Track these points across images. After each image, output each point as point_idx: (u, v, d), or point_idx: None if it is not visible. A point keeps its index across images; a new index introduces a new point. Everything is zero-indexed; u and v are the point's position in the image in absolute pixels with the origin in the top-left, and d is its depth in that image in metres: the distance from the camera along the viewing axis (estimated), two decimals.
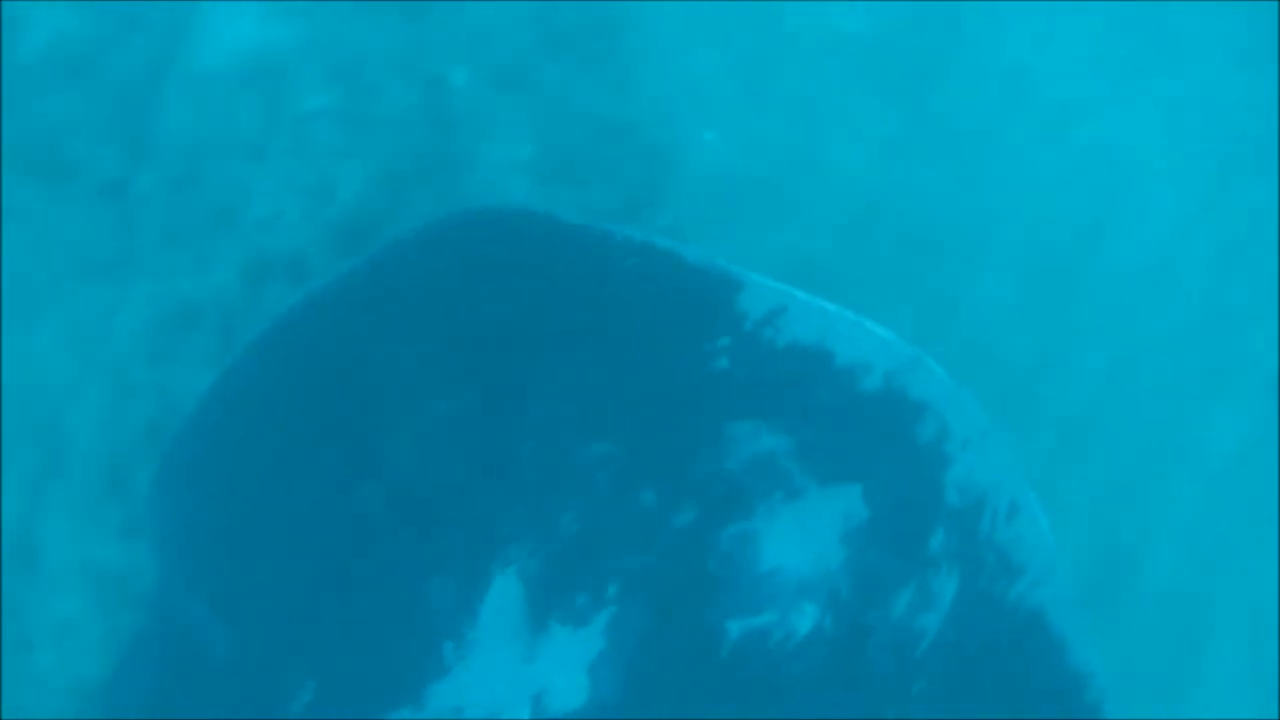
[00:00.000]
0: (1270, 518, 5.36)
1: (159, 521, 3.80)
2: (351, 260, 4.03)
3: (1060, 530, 3.87)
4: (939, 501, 3.71)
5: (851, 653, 3.65)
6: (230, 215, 5.02)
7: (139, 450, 4.69)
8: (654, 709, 3.62)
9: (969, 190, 5.71)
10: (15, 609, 4.55)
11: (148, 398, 4.79)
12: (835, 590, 3.62)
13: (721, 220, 5.24)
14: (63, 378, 4.76)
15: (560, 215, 3.97)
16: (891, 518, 3.69)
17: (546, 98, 5.35)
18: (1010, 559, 3.73)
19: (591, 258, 3.90)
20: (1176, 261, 5.88)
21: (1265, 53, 6.05)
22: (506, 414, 3.83)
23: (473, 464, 3.79)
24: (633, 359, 3.84)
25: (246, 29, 5.24)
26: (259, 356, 3.87)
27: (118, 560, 4.59)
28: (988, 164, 5.78)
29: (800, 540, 3.63)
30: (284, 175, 5.08)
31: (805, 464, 3.69)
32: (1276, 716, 3.51)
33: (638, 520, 3.71)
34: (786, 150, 5.64)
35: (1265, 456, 5.46)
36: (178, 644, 3.67)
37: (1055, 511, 3.89)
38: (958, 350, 4.51)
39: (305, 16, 5.28)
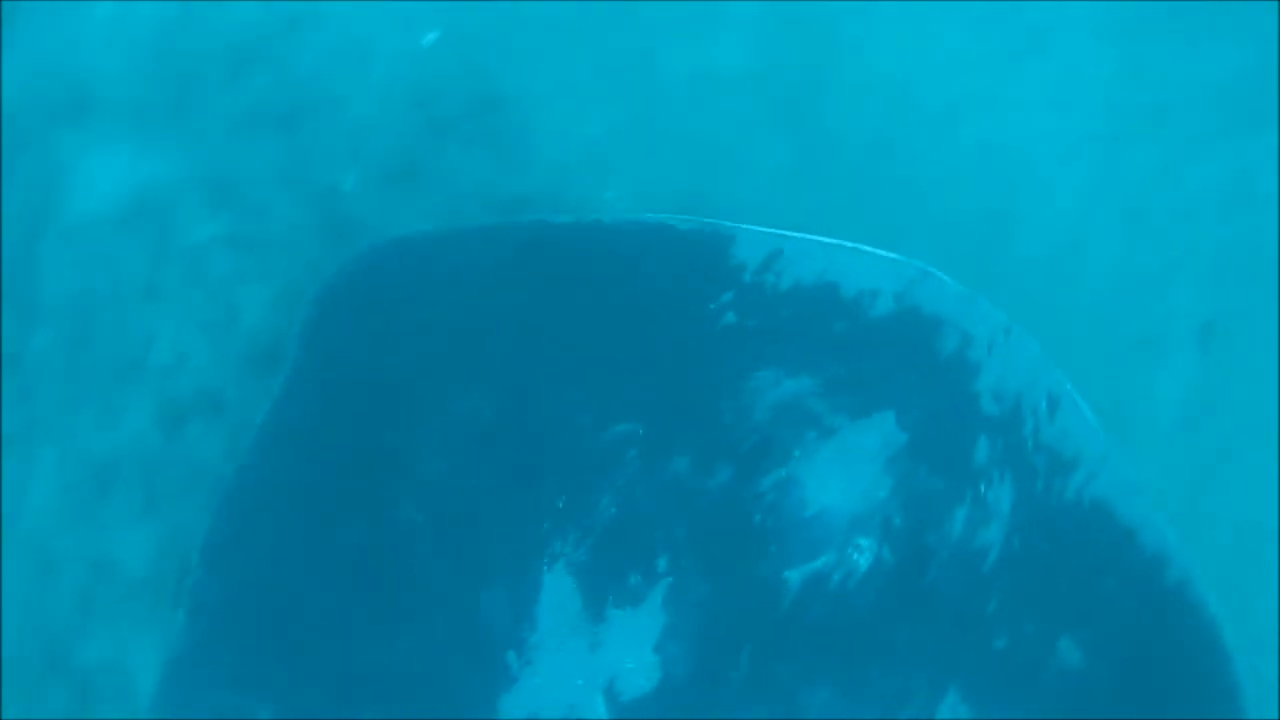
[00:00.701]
0: (1217, 478, 5.37)
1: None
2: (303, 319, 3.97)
3: None
4: (975, 411, 3.62)
5: (917, 581, 3.51)
6: (134, 364, 4.88)
7: (74, 624, 4.52)
8: (727, 675, 3.45)
9: (869, 205, 5.77)
10: None
11: (76, 568, 4.61)
12: (888, 520, 3.48)
13: None
14: None
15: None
16: (931, 437, 3.58)
17: (439, 184, 5.26)
18: (1061, 455, 3.63)
19: (577, 245, 3.80)
20: (1086, 238, 5.99)
21: (1128, 27, 6.31)
22: (524, 412, 3.74)
23: (501, 468, 3.70)
24: (638, 333, 3.75)
25: (121, 169, 5.14)
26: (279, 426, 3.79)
27: None
28: (884, 176, 5.86)
29: (842, 477, 3.50)
30: (183, 312, 4.94)
31: (832, 400, 3.58)
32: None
33: (674, 490, 3.55)
34: (685, 196, 5.62)
35: (1205, 416, 5.50)
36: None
37: None
38: None
39: (181, 147, 5.20)
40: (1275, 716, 3.49)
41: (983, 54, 6.04)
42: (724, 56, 5.68)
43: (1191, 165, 5.66)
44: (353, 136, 5.22)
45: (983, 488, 3.59)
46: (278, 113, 5.21)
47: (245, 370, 4.83)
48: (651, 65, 5.58)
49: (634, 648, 3.50)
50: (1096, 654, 3.61)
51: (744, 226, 3.74)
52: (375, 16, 5.38)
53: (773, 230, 3.73)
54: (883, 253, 3.68)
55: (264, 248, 5.02)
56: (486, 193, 5.17)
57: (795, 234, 3.71)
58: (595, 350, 3.75)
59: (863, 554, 3.45)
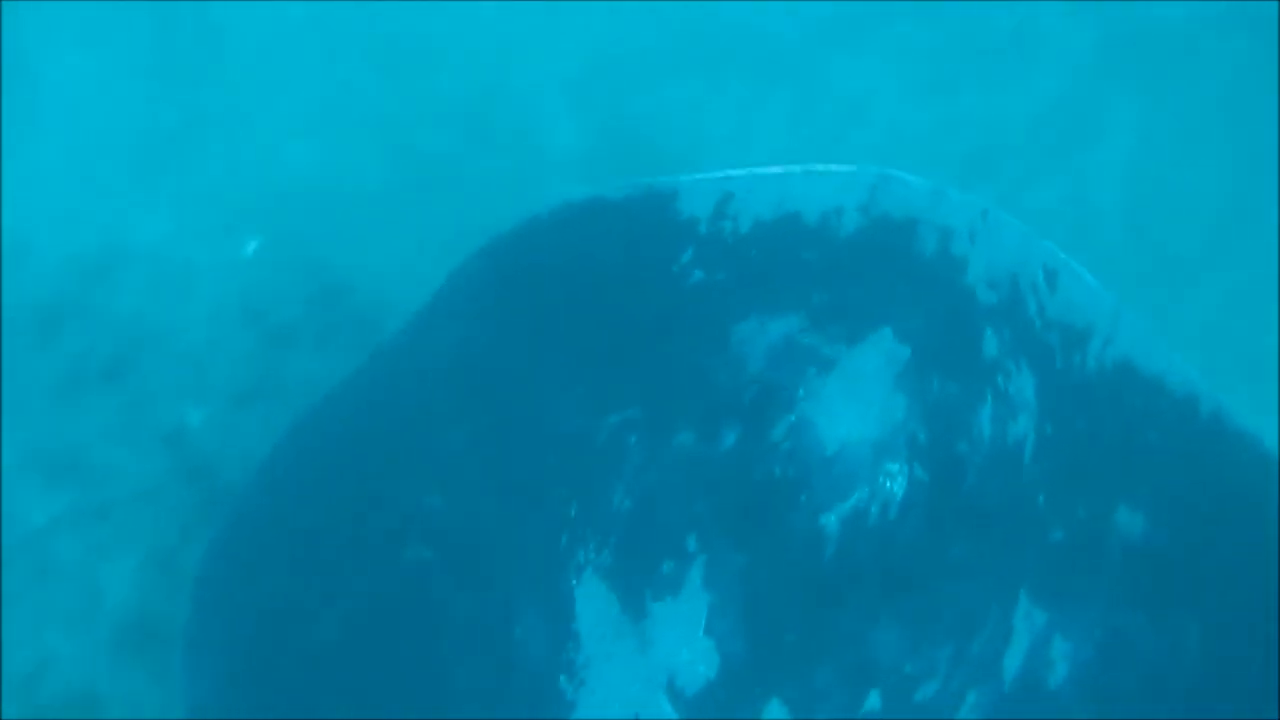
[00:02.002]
0: None
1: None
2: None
3: None
4: (973, 305, 3.41)
5: (957, 494, 3.30)
6: None
7: None
8: (786, 638, 3.24)
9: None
10: None
11: None
12: (913, 438, 3.28)
13: None
14: None
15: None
16: (934, 343, 3.38)
17: (295, 394, 5.04)
18: (1072, 327, 3.43)
19: (515, 253, 3.61)
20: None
21: (937, 83, 6.16)
22: (513, 429, 3.52)
23: (504, 488, 3.48)
24: (607, 318, 3.54)
25: None
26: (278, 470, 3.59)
27: None
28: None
29: (855, 406, 3.30)
30: (38, 608, 4.61)
31: (824, 332, 3.38)
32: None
33: (686, 465, 3.35)
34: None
35: None
36: None
37: None
38: None
39: (2, 429, 4.86)
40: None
41: (813, 131, 5.99)
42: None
43: (1026, 191, 5.88)
44: (190, 367, 4.95)
45: (1001, 381, 3.39)
46: (102, 364, 4.90)
47: (118, 653, 4.49)
48: (483, 219, 5.51)
49: (685, 636, 3.29)
50: (1157, 514, 3.42)
51: (683, 178, 3.54)
52: (188, 238, 5.15)
53: (715, 174, 3.53)
54: (835, 168, 3.49)
55: (117, 513, 4.70)
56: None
57: (739, 171, 3.51)
58: (569, 348, 3.55)
59: (895, 480, 3.25)
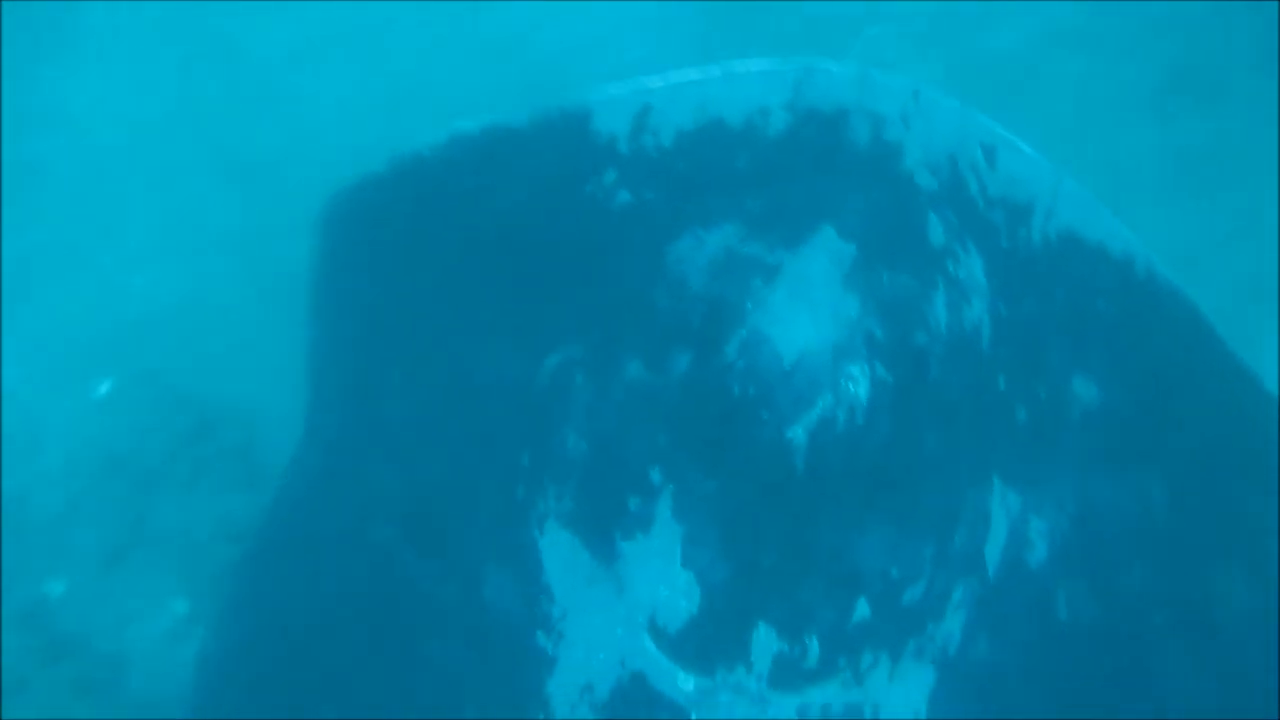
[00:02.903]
0: None
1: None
2: None
3: None
4: (914, 192, 3.27)
5: (922, 387, 3.19)
6: None
7: None
8: (767, 559, 3.13)
9: None
10: None
11: None
12: (870, 336, 3.15)
13: None
14: None
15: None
16: (879, 236, 3.24)
17: (168, 544, 4.64)
18: (1015, 202, 3.31)
19: (426, 195, 3.39)
20: None
21: None
22: (451, 383, 3.33)
23: (451, 447, 3.30)
24: (535, 253, 3.34)
25: None
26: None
27: None
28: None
29: (806, 312, 3.15)
30: None
31: (764, 239, 3.22)
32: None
33: (639, 397, 3.20)
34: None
35: None
36: None
37: None
38: None
39: None
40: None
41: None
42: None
43: None
44: (49, 533, 4.51)
45: (951, 266, 3.27)
46: None
47: None
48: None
49: (662, 572, 3.15)
50: (1108, 379, 3.37)
51: (594, 95, 3.32)
52: (33, 388, 4.72)
53: (629, 86, 3.32)
54: (755, 64, 3.30)
55: None
56: (229, 523, 4.54)
57: (655, 81, 3.31)
58: (498, 289, 3.36)
59: (858, 382, 3.11)
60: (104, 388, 4.74)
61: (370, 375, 3.33)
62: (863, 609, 3.17)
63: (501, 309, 3.35)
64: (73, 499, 4.51)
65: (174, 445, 4.65)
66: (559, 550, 3.22)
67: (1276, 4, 5.56)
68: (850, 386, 3.11)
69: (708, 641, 3.16)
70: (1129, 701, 3.26)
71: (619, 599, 3.18)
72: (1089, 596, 3.31)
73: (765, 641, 3.15)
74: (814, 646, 3.16)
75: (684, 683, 3.16)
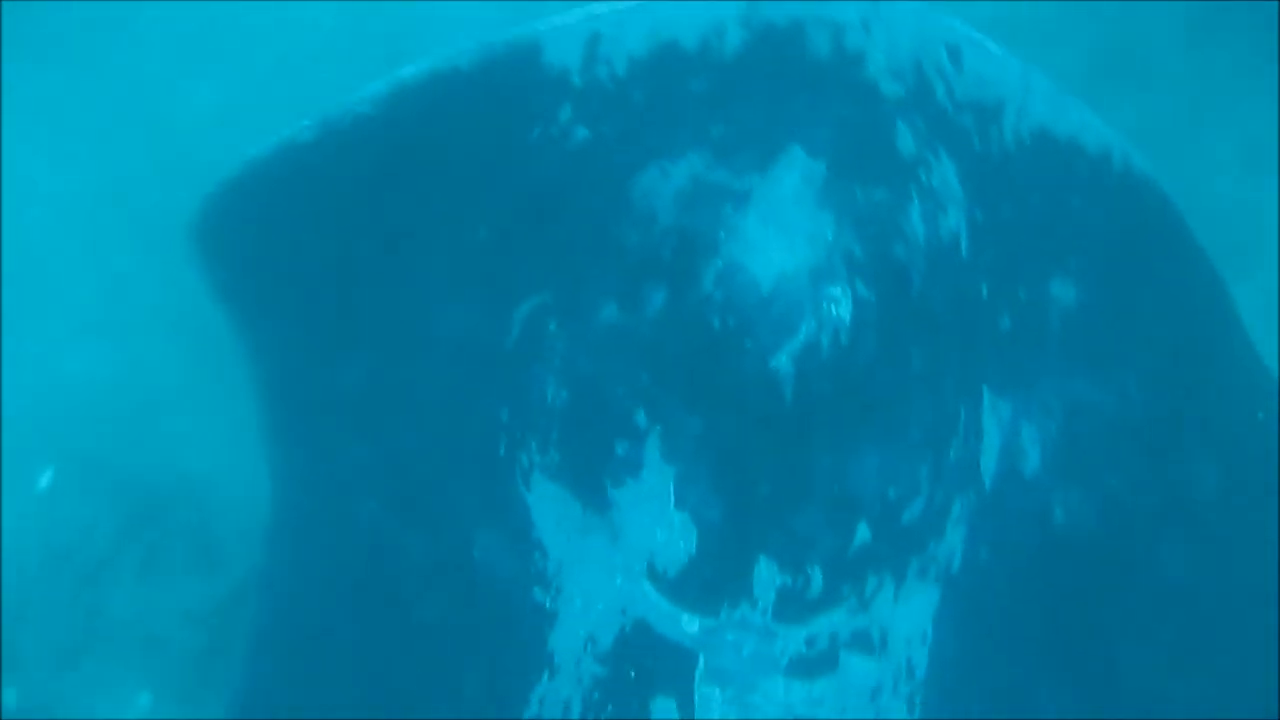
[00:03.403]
0: None
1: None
2: None
3: None
4: (880, 101, 3.15)
5: (905, 302, 3.10)
6: None
7: None
8: (764, 493, 3.07)
9: None
10: None
11: None
12: (848, 255, 3.05)
13: None
14: None
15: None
16: (848, 150, 3.12)
17: (123, 632, 4.36)
18: (984, 103, 3.20)
19: (373, 148, 3.24)
20: None
21: None
22: (421, 342, 3.21)
23: (427, 410, 3.19)
24: (494, 200, 3.21)
25: None
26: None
27: None
28: None
29: (781, 236, 3.05)
30: None
31: (731, 164, 3.11)
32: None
33: (616, 339, 3.10)
34: None
35: None
36: None
37: None
38: None
39: None
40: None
41: None
42: None
43: None
44: None
45: (924, 175, 3.17)
46: None
47: None
48: None
49: (656, 516, 3.07)
50: (1085, 277, 3.30)
51: (540, 27, 3.16)
52: None
53: (575, 16, 3.17)
54: None
55: None
56: (190, 603, 4.32)
57: (601, 7, 3.16)
58: (457, 243, 3.23)
59: (839, 304, 3.02)
60: (45, 479, 4.47)
61: (328, 354, 3.21)
62: (863, 533, 3.10)
63: (463, 264, 3.22)
64: (19, 600, 4.26)
65: (123, 532, 4.41)
66: (548, 504, 3.13)
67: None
68: (832, 308, 3.01)
69: (709, 581, 3.09)
70: (1130, 593, 3.24)
71: (615, 547, 3.10)
72: (1082, 498, 3.27)
73: (767, 575, 3.09)
74: (817, 576, 3.10)
75: (688, 625, 3.10)
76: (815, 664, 3.12)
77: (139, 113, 4.97)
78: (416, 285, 3.22)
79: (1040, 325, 3.29)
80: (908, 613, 3.17)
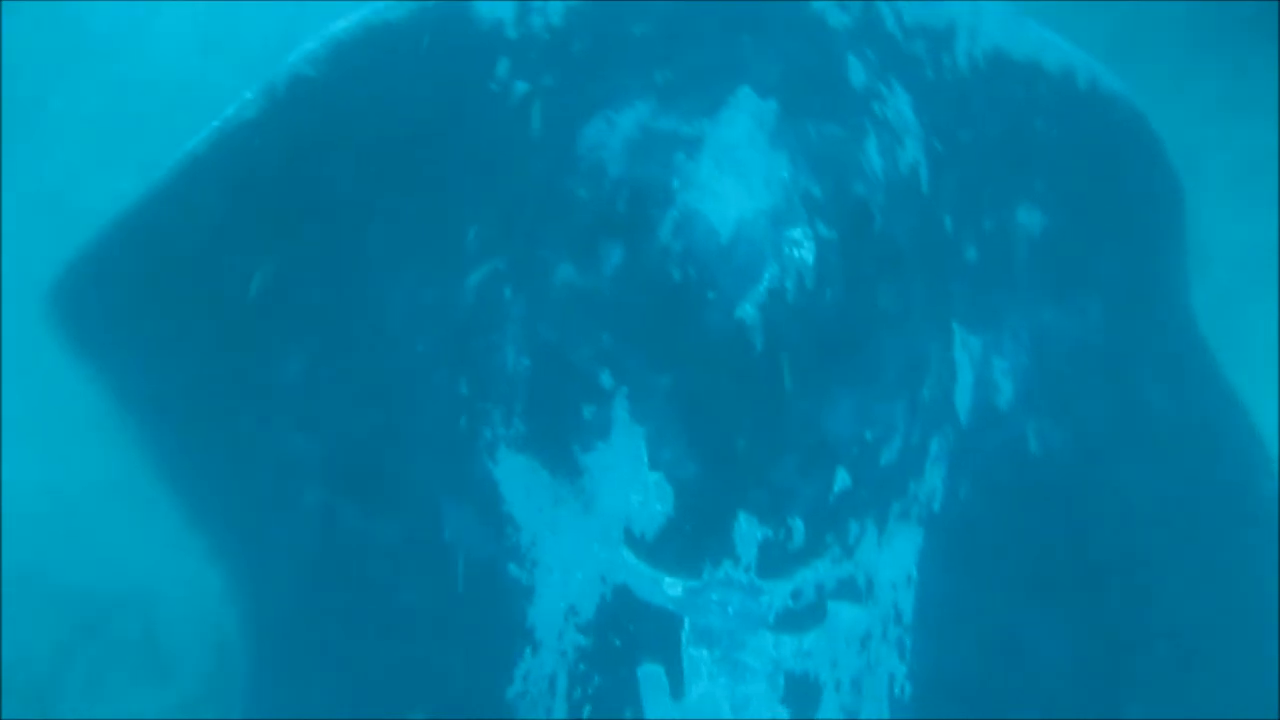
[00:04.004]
0: None
1: None
2: None
3: None
4: (828, 34, 3.06)
5: (868, 240, 3.02)
6: None
7: None
8: (740, 447, 2.98)
9: None
10: None
11: None
12: (807, 195, 2.96)
13: None
14: None
15: None
16: (799, 88, 3.03)
17: None
18: (935, 29, 3.11)
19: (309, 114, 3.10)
20: None
21: None
22: (358, 326, 3.08)
23: (374, 395, 3.06)
24: (436, 165, 3.09)
25: None
26: None
27: None
28: None
29: (737, 180, 2.95)
30: None
31: (678, 109, 3.00)
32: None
33: (575, 301, 3.01)
34: None
35: None
36: None
37: None
38: None
39: None
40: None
41: None
42: None
43: None
44: None
45: (878, 108, 3.08)
46: None
47: None
48: None
49: (629, 479, 2.97)
50: (1051, 203, 3.24)
51: None
52: None
53: None
54: None
55: None
56: (141, 715, 4.12)
57: None
58: (402, 209, 3.10)
59: (802, 246, 2.92)
60: None
61: (261, 341, 3.07)
62: (843, 479, 3.03)
63: (409, 234, 3.09)
64: None
65: (65, 647, 4.19)
66: (517, 476, 3.03)
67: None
68: (795, 252, 2.92)
69: (689, 542, 3.00)
70: (1105, 519, 3.21)
71: (589, 515, 3.00)
72: (1053, 425, 3.21)
73: (748, 531, 3.00)
74: (799, 527, 3.02)
75: (671, 588, 3.01)
76: (803, 616, 3.05)
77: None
78: (361, 260, 3.09)
79: (1007, 255, 3.22)
80: (892, 557, 3.10)
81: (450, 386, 3.06)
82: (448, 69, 3.08)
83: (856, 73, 3.07)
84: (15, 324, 4.38)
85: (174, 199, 3.07)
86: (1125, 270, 3.30)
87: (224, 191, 3.08)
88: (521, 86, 3.06)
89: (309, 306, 3.09)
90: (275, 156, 3.09)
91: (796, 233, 2.92)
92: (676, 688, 2.98)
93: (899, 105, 3.11)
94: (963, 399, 3.19)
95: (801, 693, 3.02)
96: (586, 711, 2.96)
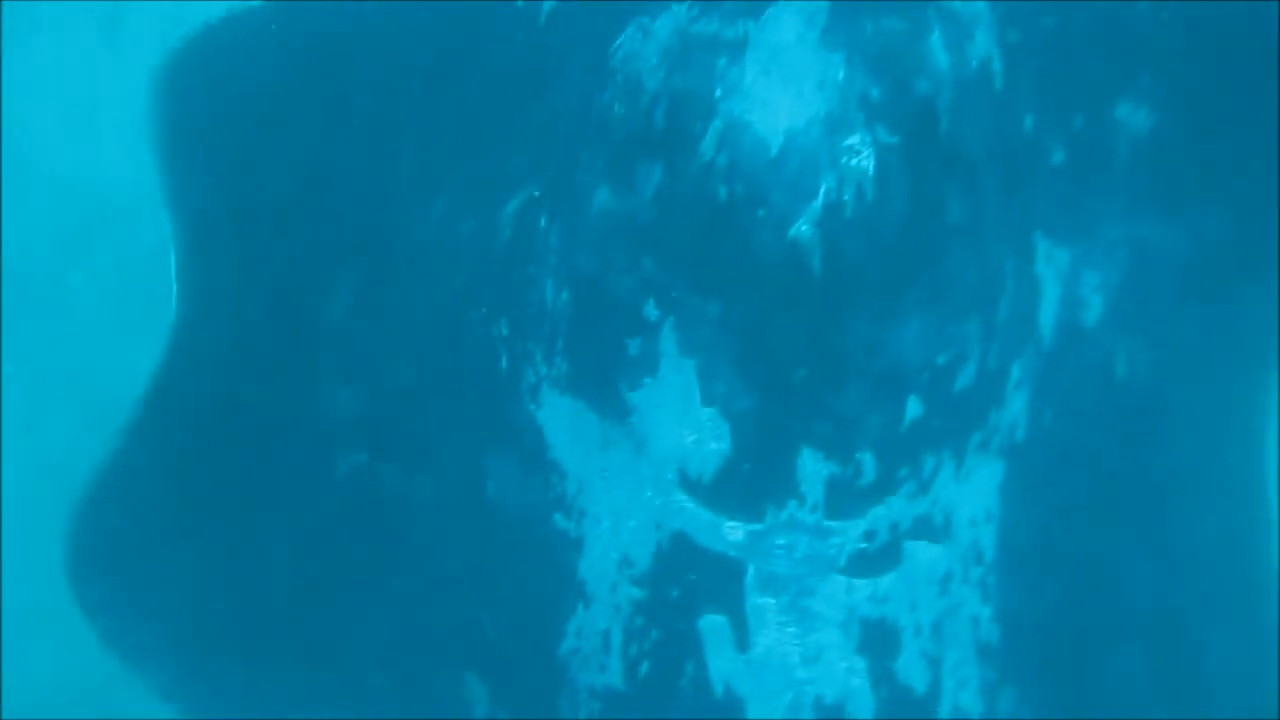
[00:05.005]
0: None
1: None
2: None
3: None
4: None
5: (934, 145, 2.74)
6: None
7: None
8: (800, 375, 2.74)
9: None
10: None
11: None
12: (864, 98, 2.68)
13: None
14: None
15: None
16: None
17: None
18: None
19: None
20: None
21: None
22: (392, 262, 2.90)
23: (411, 338, 2.89)
24: (460, 91, 2.87)
25: None
26: None
27: None
28: None
29: (786, 85, 2.68)
30: None
31: (718, 12, 2.72)
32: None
33: (615, 225, 2.80)
34: None
35: None
36: None
37: None
38: None
39: None
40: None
41: None
42: None
43: None
44: None
45: None
46: None
47: None
48: None
49: (682, 416, 2.75)
50: (1160, 98, 2.88)
51: None
52: None
53: None
54: None
55: None
56: None
57: None
58: (433, 138, 2.89)
59: (860, 155, 2.65)
60: None
61: (289, 288, 2.90)
62: (914, 408, 2.77)
63: (440, 164, 2.89)
64: None
65: None
66: (561, 419, 2.83)
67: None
68: (853, 160, 2.65)
69: (749, 481, 2.78)
70: (1191, 448, 2.94)
71: (640, 457, 2.79)
72: (1143, 347, 2.92)
73: (813, 467, 2.77)
74: (868, 461, 2.78)
75: (731, 533, 2.80)
76: (876, 558, 2.82)
77: None
78: (395, 186, 2.90)
79: (1103, 156, 2.89)
80: (971, 491, 2.85)
81: (489, 327, 2.87)
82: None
83: None
84: None
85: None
86: (1252, 182, 2.93)
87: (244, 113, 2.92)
88: (549, 2, 2.84)
89: (348, 237, 2.93)
90: (294, 62, 2.92)
91: (854, 140, 2.65)
92: (741, 639, 2.78)
93: None
94: (1046, 317, 2.90)
95: (878, 640, 2.81)
96: (644, 668, 2.78)
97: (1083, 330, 2.93)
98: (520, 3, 2.85)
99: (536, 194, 2.84)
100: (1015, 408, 2.89)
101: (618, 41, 2.79)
